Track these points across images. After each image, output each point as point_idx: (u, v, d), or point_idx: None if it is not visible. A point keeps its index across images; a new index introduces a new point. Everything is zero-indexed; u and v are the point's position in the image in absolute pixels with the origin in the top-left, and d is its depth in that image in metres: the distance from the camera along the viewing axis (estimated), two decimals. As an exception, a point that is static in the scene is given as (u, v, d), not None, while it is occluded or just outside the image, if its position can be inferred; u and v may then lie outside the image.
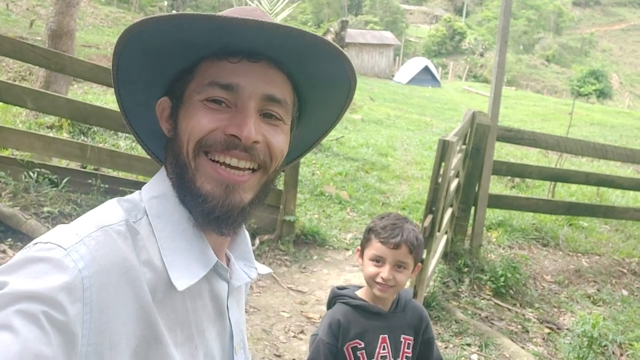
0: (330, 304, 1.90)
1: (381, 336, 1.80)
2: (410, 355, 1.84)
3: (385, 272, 1.75)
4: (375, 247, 1.77)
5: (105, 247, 0.71)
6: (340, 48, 0.81)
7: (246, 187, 0.83)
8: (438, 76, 39.48)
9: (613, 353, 4.18)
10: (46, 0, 19.25)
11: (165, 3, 48.84)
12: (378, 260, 1.77)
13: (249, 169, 0.82)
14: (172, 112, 0.85)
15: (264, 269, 1.02)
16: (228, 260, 0.94)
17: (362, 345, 1.79)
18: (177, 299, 0.79)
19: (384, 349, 1.79)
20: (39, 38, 10.68)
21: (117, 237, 0.74)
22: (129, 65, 0.82)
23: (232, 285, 0.90)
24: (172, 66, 0.84)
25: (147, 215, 0.81)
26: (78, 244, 0.69)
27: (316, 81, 0.88)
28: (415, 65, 38.64)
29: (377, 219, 1.85)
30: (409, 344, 1.84)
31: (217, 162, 0.80)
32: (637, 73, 72.88)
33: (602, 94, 41.95)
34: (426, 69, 37.78)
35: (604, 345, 3.89)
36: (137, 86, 0.87)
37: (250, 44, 0.78)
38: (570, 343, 3.96)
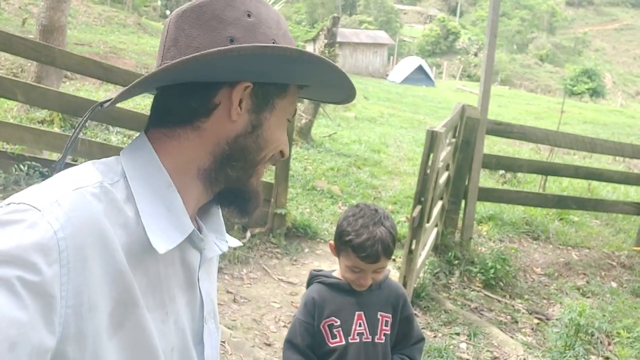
0: (309, 284, 1.91)
1: (357, 313, 1.80)
2: (388, 332, 1.84)
3: (364, 279, 1.76)
4: (353, 261, 1.75)
5: (80, 208, 0.70)
6: (352, 85, 0.92)
7: None
8: (432, 75, 39.58)
9: (600, 342, 4.23)
10: (39, -2, 19.18)
11: (159, 2, 48.75)
12: (356, 270, 1.77)
13: None
14: (255, 108, 0.86)
15: (234, 242, 1.03)
16: (200, 231, 0.95)
17: (338, 323, 1.79)
18: (151, 264, 0.79)
19: (360, 325, 1.80)
20: (31, 36, 10.63)
21: (92, 198, 0.73)
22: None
23: (205, 257, 0.91)
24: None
25: (125, 178, 0.80)
26: (53, 205, 0.68)
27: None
28: (409, 64, 38.74)
29: (352, 224, 1.76)
30: (386, 321, 1.84)
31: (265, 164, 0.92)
32: (630, 72, 73.23)
33: (595, 93, 42.18)
34: (420, 69, 37.88)
35: (591, 334, 3.93)
36: None
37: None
38: (558, 332, 3.99)
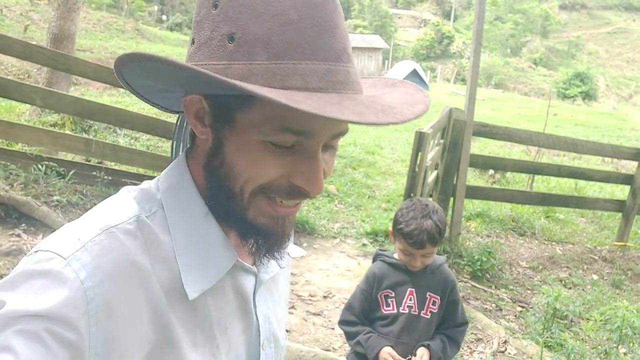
0: (374, 261, 2.31)
1: (409, 289, 2.18)
2: (435, 311, 2.20)
3: (414, 261, 2.14)
4: (404, 245, 2.12)
5: (111, 251, 0.67)
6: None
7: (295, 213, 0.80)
8: (426, 79, 39.91)
9: (581, 329, 4.56)
10: (39, 5, 19.49)
11: (156, 8, 49.02)
12: (407, 253, 2.14)
13: None
14: (215, 124, 0.73)
15: (297, 251, 0.97)
16: None
17: (393, 295, 2.18)
18: (197, 299, 0.75)
19: (410, 300, 2.18)
20: (34, 42, 10.97)
21: (125, 238, 0.69)
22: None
23: (261, 279, 0.85)
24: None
25: (163, 208, 0.75)
26: (79, 251, 0.65)
27: None
28: (403, 68, 39.03)
29: (404, 215, 2.11)
30: (434, 301, 2.20)
31: (274, 199, 0.74)
32: (623, 75, 73.93)
33: (588, 96, 42.72)
34: (414, 73, 38.14)
35: (566, 316, 4.27)
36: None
37: None
38: (536, 315, 4.34)
